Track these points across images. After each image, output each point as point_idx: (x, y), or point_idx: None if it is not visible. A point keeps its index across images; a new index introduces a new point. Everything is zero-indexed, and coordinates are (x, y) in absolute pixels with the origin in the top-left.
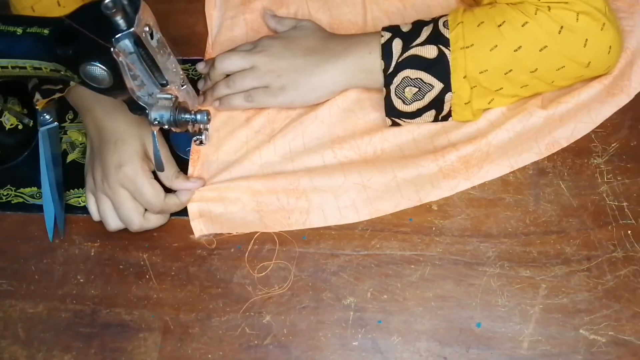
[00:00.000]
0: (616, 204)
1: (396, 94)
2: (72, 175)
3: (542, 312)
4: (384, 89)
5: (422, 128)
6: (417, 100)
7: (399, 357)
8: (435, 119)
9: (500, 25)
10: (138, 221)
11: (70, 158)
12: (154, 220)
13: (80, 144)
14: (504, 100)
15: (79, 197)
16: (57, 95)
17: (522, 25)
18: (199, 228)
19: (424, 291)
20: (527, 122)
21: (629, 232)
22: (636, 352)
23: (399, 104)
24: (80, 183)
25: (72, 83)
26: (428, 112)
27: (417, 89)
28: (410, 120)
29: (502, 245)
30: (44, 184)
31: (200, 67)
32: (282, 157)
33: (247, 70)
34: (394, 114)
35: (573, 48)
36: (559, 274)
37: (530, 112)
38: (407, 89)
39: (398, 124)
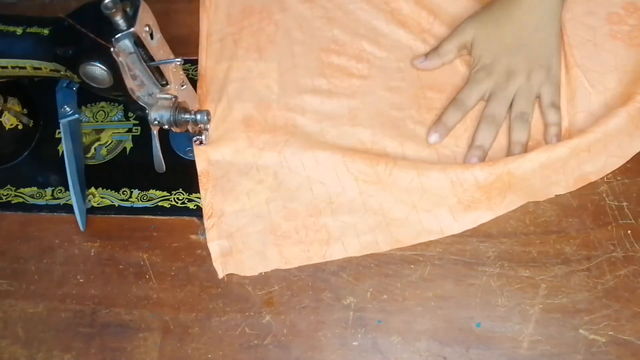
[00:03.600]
0: (616, 203)
1: None
2: None
3: (542, 312)
4: None
5: (439, 153)
6: None
7: (398, 357)
8: None
9: None
10: None
11: None
12: None
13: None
14: None
15: None
16: None
17: None
18: (221, 269)
19: (424, 291)
20: (553, 152)
21: (629, 232)
22: (636, 352)
23: None
24: None
25: None
26: None
27: None
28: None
29: (502, 245)
30: (69, 176)
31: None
32: (296, 174)
33: (492, 99)
34: None
35: None
36: (558, 273)
37: (554, 147)
38: None
39: None
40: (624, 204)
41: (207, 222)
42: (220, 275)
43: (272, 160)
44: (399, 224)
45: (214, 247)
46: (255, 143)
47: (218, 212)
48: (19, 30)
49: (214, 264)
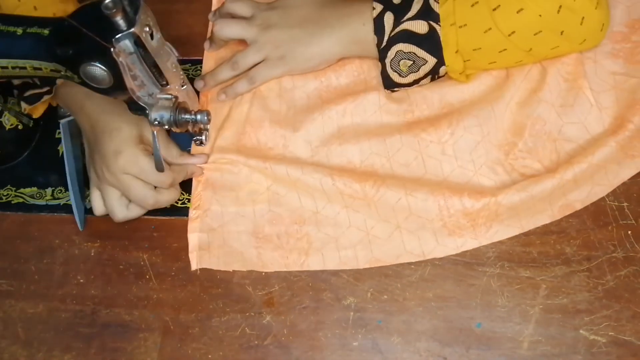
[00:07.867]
0: (616, 204)
1: (392, 68)
2: None
3: (542, 313)
4: (379, 63)
5: (426, 164)
6: (412, 73)
7: (399, 357)
8: (433, 80)
9: (495, 9)
10: (152, 196)
11: None
12: (167, 195)
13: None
14: (501, 66)
15: None
16: (46, 97)
17: (517, 12)
18: (195, 261)
19: (424, 291)
20: (539, 184)
21: (629, 232)
22: (636, 353)
23: (395, 77)
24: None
25: (58, 82)
26: (424, 80)
27: (412, 62)
28: (408, 88)
29: (502, 246)
30: (68, 176)
31: (206, 46)
32: (284, 181)
33: (247, 48)
34: (391, 86)
35: (570, 27)
36: (559, 274)
37: (541, 177)
38: (401, 62)
39: (397, 90)
40: (624, 204)
41: (192, 213)
42: (194, 267)
43: (260, 166)
44: (381, 243)
45: (193, 238)
46: (248, 162)
47: (205, 205)
48: (19, 30)
49: (190, 255)
